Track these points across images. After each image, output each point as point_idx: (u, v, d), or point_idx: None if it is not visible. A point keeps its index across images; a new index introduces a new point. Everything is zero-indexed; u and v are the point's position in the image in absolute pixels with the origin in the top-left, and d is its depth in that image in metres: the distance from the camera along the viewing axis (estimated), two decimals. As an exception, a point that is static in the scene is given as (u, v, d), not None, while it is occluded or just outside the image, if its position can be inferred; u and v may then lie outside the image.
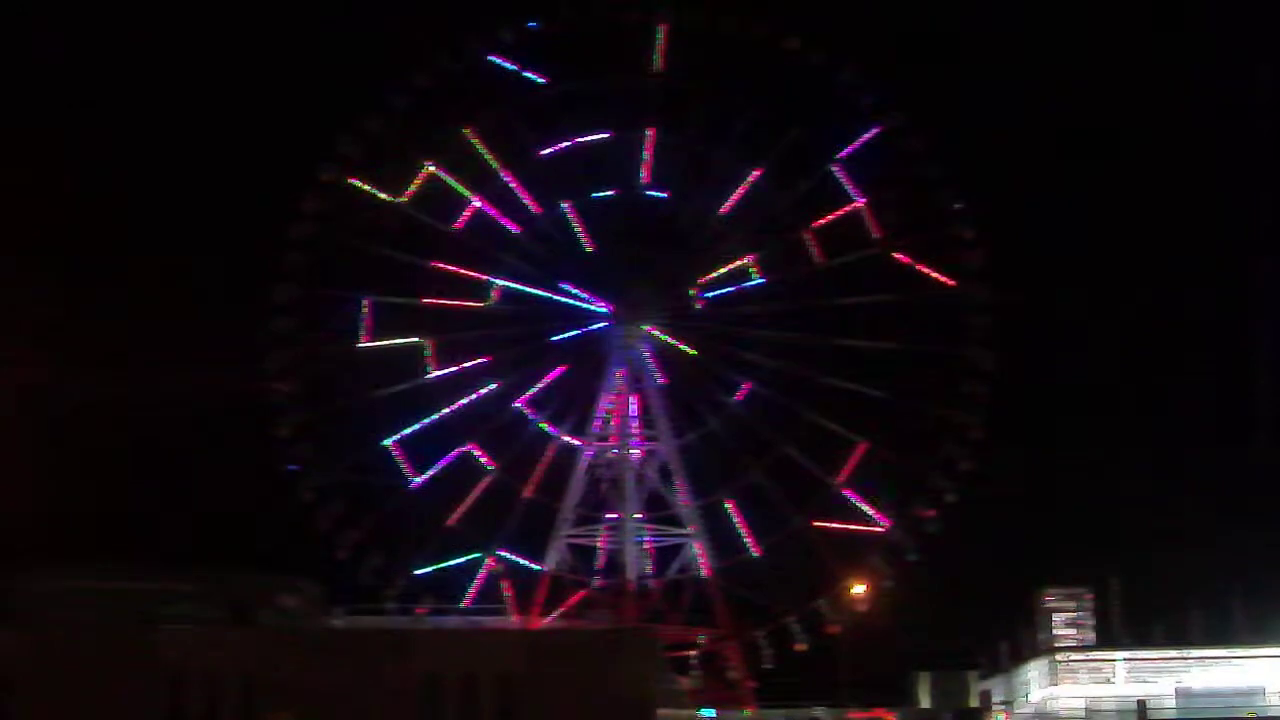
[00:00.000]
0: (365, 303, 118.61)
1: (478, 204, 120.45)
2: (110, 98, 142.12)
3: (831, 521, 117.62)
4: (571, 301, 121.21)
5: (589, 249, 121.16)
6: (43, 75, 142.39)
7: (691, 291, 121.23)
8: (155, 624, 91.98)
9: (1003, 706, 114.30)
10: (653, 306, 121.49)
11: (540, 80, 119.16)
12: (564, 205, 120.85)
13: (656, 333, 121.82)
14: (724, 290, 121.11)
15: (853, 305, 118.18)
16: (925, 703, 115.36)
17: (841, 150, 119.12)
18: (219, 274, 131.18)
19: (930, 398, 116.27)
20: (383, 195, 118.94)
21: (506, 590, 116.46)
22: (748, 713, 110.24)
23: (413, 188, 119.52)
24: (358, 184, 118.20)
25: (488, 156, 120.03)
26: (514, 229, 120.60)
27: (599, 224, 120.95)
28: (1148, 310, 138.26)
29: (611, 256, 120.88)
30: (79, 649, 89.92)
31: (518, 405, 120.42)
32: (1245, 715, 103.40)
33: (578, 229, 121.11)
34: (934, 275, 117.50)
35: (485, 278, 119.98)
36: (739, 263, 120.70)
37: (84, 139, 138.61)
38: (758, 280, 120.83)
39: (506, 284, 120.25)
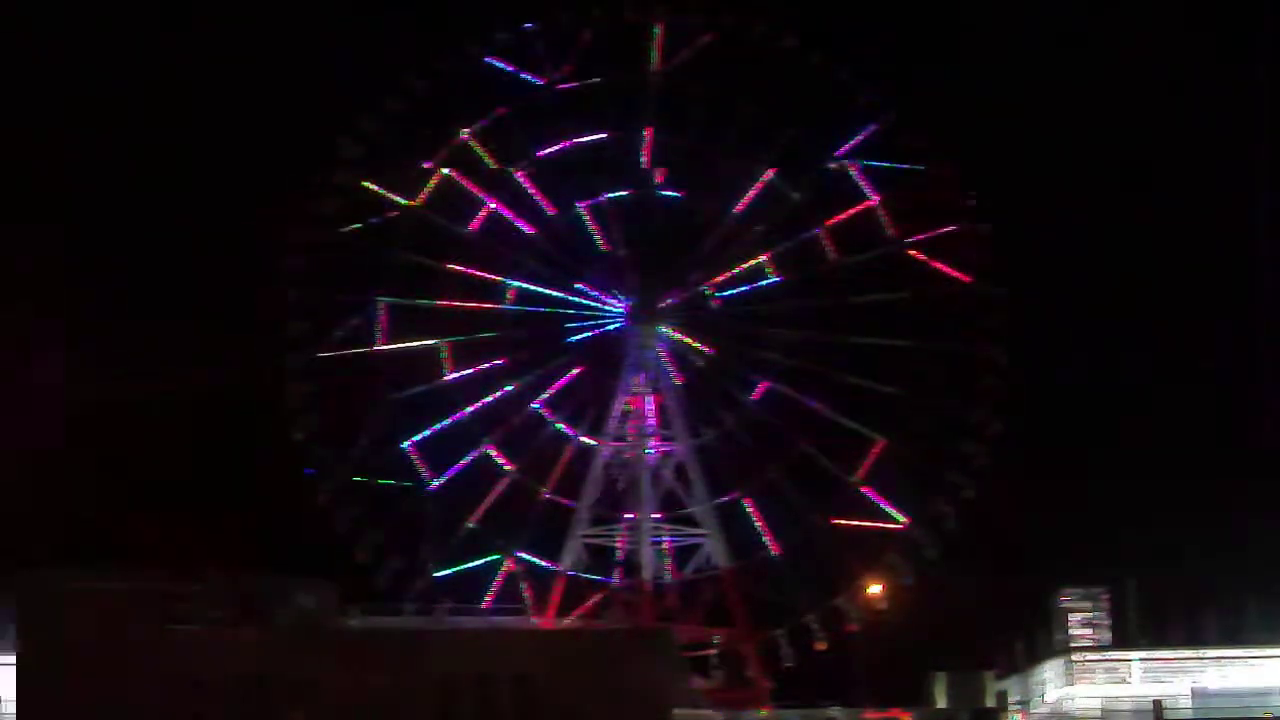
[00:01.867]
0: (381, 305, 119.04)
1: (492, 206, 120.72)
2: (114, 99, 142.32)
3: (850, 519, 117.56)
4: (587, 302, 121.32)
5: (604, 249, 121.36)
6: (45, 75, 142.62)
7: (707, 290, 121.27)
8: (172, 624, 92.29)
9: (1019, 707, 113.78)
10: (669, 306, 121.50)
11: (540, 82, 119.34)
12: (579, 206, 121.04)
13: (673, 332, 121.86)
14: (739, 289, 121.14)
15: (868, 303, 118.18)
16: (941, 703, 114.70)
17: (856, 148, 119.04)
18: (234, 276, 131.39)
19: (947, 395, 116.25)
20: (397, 198, 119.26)
21: (526, 591, 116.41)
22: (764, 713, 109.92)
23: (427, 190, 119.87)
24: (372, 187, 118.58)
25: (502, 159, 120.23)
26: (529, 230, 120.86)
27: (613, 224, 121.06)
28: (1158, 308, 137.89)
29: (626, 257, 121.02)
30: (94, 649, 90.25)
31: (535, 406, 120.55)
32: (1261, 715, 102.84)
33: (593, 230, 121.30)
34: (949, 272, 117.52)
35: (501, 279, 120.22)
36: (754, 261, 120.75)
37: (91, 141, 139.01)
38: (773, 279, 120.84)
39: (522, 285, 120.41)
